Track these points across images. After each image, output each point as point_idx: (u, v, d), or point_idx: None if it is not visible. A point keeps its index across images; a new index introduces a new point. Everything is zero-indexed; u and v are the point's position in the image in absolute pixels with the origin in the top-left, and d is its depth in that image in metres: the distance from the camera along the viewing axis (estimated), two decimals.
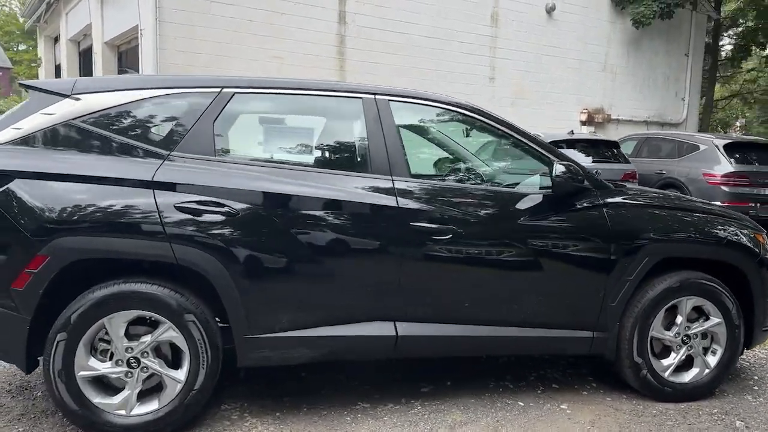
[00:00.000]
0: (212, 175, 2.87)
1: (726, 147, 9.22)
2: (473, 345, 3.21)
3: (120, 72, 3.94)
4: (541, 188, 3.27)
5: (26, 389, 3.35)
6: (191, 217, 2.78)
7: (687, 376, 3.39)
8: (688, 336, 3.36)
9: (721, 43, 20.01)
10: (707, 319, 3.39)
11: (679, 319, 3.34)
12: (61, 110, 2.86)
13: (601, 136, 12.97)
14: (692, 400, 3.38)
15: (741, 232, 3.45)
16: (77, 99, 2.89)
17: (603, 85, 15.90)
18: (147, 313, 2.78)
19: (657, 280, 3.28)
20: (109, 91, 2.95)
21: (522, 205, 3.15)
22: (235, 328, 2.87)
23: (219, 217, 2.81)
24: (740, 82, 21.61)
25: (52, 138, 2.83)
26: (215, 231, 2.79)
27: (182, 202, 2.79)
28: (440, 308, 3.10)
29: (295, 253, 2.90)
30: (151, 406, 2.83)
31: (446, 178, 3.52)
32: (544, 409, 3.26)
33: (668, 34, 16.88)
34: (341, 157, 3.18)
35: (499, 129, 3.33)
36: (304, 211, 2.92)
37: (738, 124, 23.18)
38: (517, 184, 3.42)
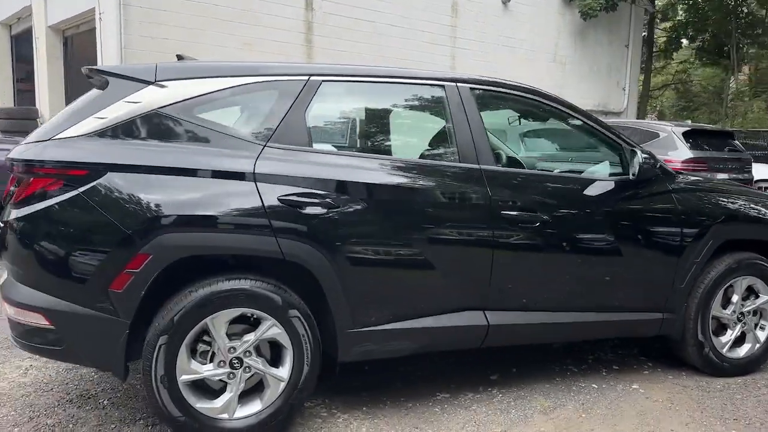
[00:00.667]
0: (312, 166, 2.77)
1: (684, 134, 9.74)
2: (556, 331, 3.27)
3: (178, 59, 3.68)
4: (611, 175, 3.36)
5: (89, 398, 3.13)
6: (295, 210, 2.67)
7: (741, 352, 3.59)
8: (742, 313, 3.56)
9: (655, 36, 21.02)
10: (757, 296, 3.60)
11: (735, 298, 3.53)
12: (147, 98, 2.67)
13: None
14: (746, 374, 3.59)
15: None
16: (162, 86, 2.70)
17: (553, 75, 16.39)
18: (250, 311, 2.65)
19: (717, 262, 3.45)
20: (195, 78, 2.78)
21: (602, 191, 3.22)
22: (338, 322, 2.79)
23: (321, 210, 2.71)
24: (672, 72, 22.83)
25: (141, 128, 2.64)
26: (319, 224, 2.70)
27: (286, 195, 2.67)
28: (527, 296, 3.13)
29: (394, 244, 2.84)
30: (253, 407, 2.72)
31: (527, 165, 3.54)
32: (619, 390, 3.37)
33: (610, 26, 17.57)
34: (430, 147, 3.13)
35: (573, 116, 3.38)
36: (401, 203, 2.87)
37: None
38: (582, 171, 3.50)
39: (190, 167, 2.61)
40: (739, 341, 3.61)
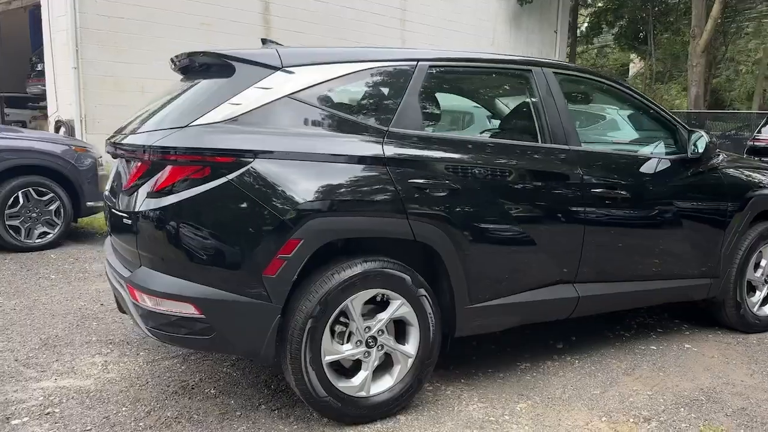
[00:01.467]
0: (433, 149, 2.86)
1: None
2: (633, 299, 3.57)
3: (263, 43, 3.58)
4: (667, 154, 3.67)
5: (192, 388, 3.09)
6: (422, 192, 2.76)
7: (755, 307, 4.04)
8: (763, 273, 4.02)
9: (579, 22, 22.09)
10: None
11: (764, 262, 3.98)
12: (277, 84, 2.65)
13: None
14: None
15: None
16: (290, 72, 2.70)
17: None
18: (383, 291, 2.73)
19: (751, 230, 3.87)
20: (318, 63, 2.79)
21: (668, 169, 3.53)
22: (458, 299, 2.92)
23: (444, 192, 2.82)
24: (592, 57, 24.12)
25: (275, 114, 2.62)
26: (442, 206, 2.80)
27: (413, 178, 2.76)
28: (608, 268, 3.39)
29: (505, 224, 3.00)
30: (385, 383, 2.81)
31: (604, 144, 3.78)
32: (676, 350, 3.72)
33: (541, 13, 18.34)
34: (528, 129, 3.29)
35: (639, 100, 3.66)
36: (510, 183, 3.02)
37: None
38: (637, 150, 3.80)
39: (330, 153, 2.63)
40: (765, 301, 4.07)
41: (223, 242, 2.46)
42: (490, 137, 3.20)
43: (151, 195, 2.49)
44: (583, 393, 3.12)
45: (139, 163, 2.60)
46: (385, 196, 2.69)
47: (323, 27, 12.05)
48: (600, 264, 3.34)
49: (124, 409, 2.87)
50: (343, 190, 2.62)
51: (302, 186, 2.54)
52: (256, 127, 2.57)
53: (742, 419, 2.87)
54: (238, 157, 2.48)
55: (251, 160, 2.49)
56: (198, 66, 2.95)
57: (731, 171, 3.83)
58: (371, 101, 2.90)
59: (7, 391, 3.02)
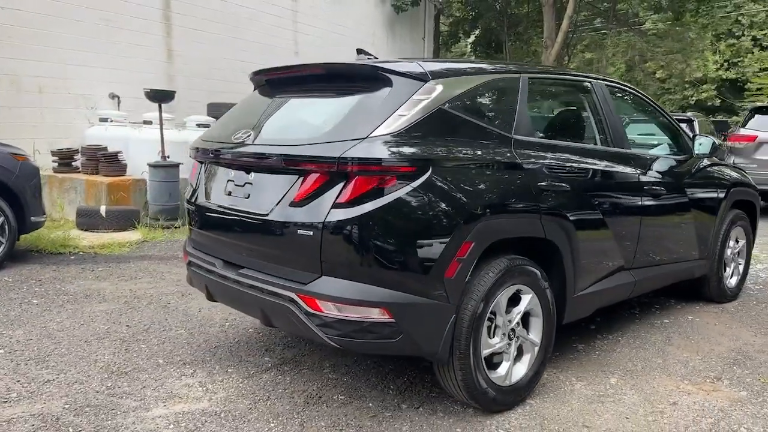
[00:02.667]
0: (548, 154, 3.17)
1: None
2: (663, 280, 4.15)
3: (359, 53, 3.40)
4: (679, 153, 4.33)
5: (320, 398, 3.08)
6: (548, 193, 3.06)
7: (732, 282, 4.90)
8: (735, 254, 4.87)
9: (442, 30, 23.42)
10: (737, 242, 4.94)
11: (731, 243, 4.81)
12: (429, 96, 2.78)
13: None
14: (736, 299, 4.92)
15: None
16: (438, 83, 2.83)
17: None
18: (520, 286, 2.98)
19: (727, 216, 4.67)
20: (455, 75, 2.95)
21: (684, 166, 4.19)
22: (568, 290, 3.25)
23: (560, 193, 3.14)
24: None
25: (433, 124, 2.73)
26: (562, 206, 3.13)
27: (540, 181, 3.04)
28: (651, 254, 3.93)
29: (597, 220, 3.39)
30: (520, 371, 3.06)
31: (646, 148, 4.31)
32: (684, 322, 4.39)
33: (411, 20, 19.24)
34: (598, 134, 3.69)
35: (654, 107, 4.27)
36: (599, 183, 3.44)
37: None
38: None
39: (483, 160, 2.83)
40: (732, 275, 4.93)
41: (412, 248, 2.56)
42: (579, 142, 3.58)
43: (338, 206, 2.49)
44: (650, 363, 3.61)
45: (316, 175, 2.57)
46: (526, 199, 2.95)
47: (221, 25, 11.68)
48: (646, 251, 3.86)
49: (273, 425, 2.80)
50: (499, 194, 2.83)
51: (470, 192, 2.71)
52: (424, 137, 2.68)
53: (735, 357, 3.56)
54: (419, 167, 2.58)
55: (429, 169, 2.60)
56: (328, 76, 2.96)
57: (717, 167, 4.61)
58: (497, 110, 3.13)
59: (126, 425, 2.78)
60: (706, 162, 4.47)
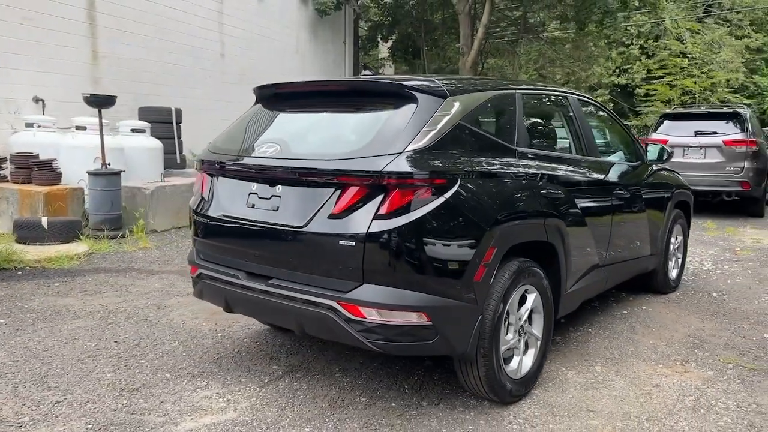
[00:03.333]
0: (545, 164, 3.45)
1: None
2: (625, 275, 4.57)
3: (364, 68, 3.46)
4: (636, 160, 4.77)
5: (344, 401, 3.20)
6: (548, 200, 3.35)
7: (674, 275, 5.45)
8: (676, 249, 5.42)
9: (361, 35, 23.66)
10: (677, 238, 5.50)
11: (673, 239, 5.35)
12: (451, 111, 2.97)
13: None
14: (676, 289, 5.48)
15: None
16: (455, 100, 3.03)
17: (297, 66, 17.42)
18: (528, 286, 3.25)
19: (670, 216, 5.19)
20: (467, 92, 3.16)
21: (641, 171, 4.65)
22: (562, 288, 3.55)
23: (558, 199, 3.44)
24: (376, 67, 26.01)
25: (455, 137, 2.93)
26: (558, 211, 3.42)
27: (542, 189, 3.33)
28: (618, 252, 4.32)
29: (583, 224, 3.71)
30: (527, 364, 3.31)
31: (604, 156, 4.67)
32: (638, 312, 4.84)
33: (333, 24, 19.36)
34: (577, 144, 4.03)
35: (615, 120, 4.69)
36: (583, 189, 3.78)
37: None
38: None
39: (499, 171, 3.06)
40: (673, 267, 5.48)
41: (447, 255, 2.75)
42: (561, 152, 3.89)
43: (380, 217, 2.63)
44: (625, 351, 4.00)
45: (355, 188, 2.69)
46: (533, 206, 3.22)
47: (149, 26, 11.30)
48: (614, 249, 4.26)
49: (308, 430, 2.89)
50: (513, 202, 3.08)
51: (491, 200, 2.94)
52: (448, 151, 2.87)
53: (733, 348, 4.04)
54: (449, 179, 2.77)
55: (457, 180, 2.80)
56: (351, 92, 3.08)
57: (665, 172, 5.13)
58: (502, 124, 3.37)
59: None
60: (655, 167, 4.97)
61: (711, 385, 3.47)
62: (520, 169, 3.22)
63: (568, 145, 3.99)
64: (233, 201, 3.17)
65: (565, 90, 4.18)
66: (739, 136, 9.62)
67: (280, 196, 2.95)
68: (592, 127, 4.35)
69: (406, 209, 2.65)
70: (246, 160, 3.08)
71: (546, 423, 3.01)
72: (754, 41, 25.38)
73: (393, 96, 2.97)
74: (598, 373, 3.64)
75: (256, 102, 3.58)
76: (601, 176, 4.06)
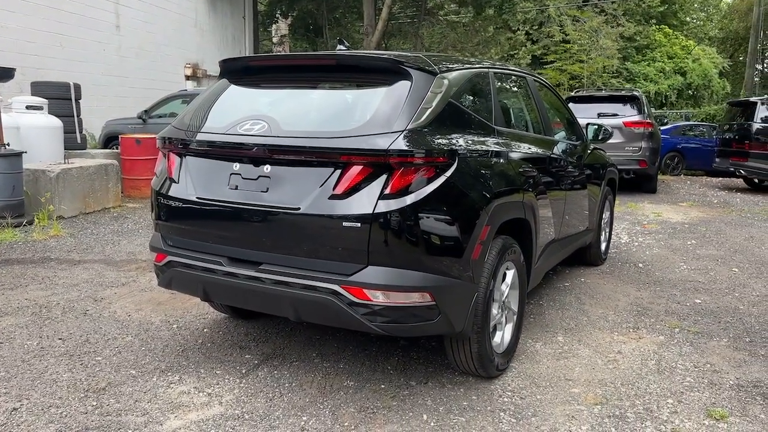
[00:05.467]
0: (518, 143, 3.52)
1: None
2: (573, 248, 4.77)
3: (339, 43, 3.09)
4: (577, 139, 4.98)
5: (332, 385, 3.11)
6: (525, 178, 3.42)
7: (604, 247, 5.79)
8: (605, 223, 5.76)
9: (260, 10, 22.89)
10: (605, 213, 5.84)
11: (605, 215, 5.68)
12: (442, 89, 2.94)
13: None
14: (606, 262, 5.83)
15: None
16: (444, 78, 3.00)
17: (196, 41, 16.60)
18: (508, 263, 3.31)
19: (603, 193, 5.50)
20: (452, 71, 3.13)
21: (584, 149, 4.85)
22: (533, 263, 3.66)
23: (531, 177, 3.52)
24: (271, 45, 25.23)
25: (447, 115, 2.90)
26: (532, 188, 3.50)
27: (520, 167, 3.39)
28: (567, 226, 4.51)
29: (547, 201, 3.83)
30: (507, 338, 3.39)
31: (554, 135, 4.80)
32: (579, 284, 5.10)
33: None
34: (537, 124, 4.11)
35: (560, 99, 4.86)
36: (548, 167, 3.90)
37: None
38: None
39: (488, 149, 3.08)
40: (605, 241, 5.82)
41: (451, 233, 2.73)
42: (528, 131, 3.97)
43: (386, 197, 2.57)
44: (580, 321, 4.20)
45: (359, 167, 2.59)
46: (516, 184, 3.27)
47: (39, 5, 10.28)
48: (566, 224, 4.45)
49: (305, 418, 2.79)
50: (502, 180, 3.12)
51: (484, 179, 2.96)
52: (444, 129, 2.84)
53: (673, 314, 4.36)
54: (449, 157, 2.75)
55: (456, 159, 2.79)
56: (341, 67, 2.96)
57: (599, 151, 5.40)
58: (482, 103, 3.38)
59: None
60: (592, 146, 5.23)
61: (666, 349, 3.73)
62: (502, 148, 3.26)
63: (530, 124, 4.10)
64: (211, 182, 2.96)
65: (524, 70, 4.27)
66: (637, 118, 10.36)
67: (269, 177, 2.78)
68: (545, 107, 4.48)
69: (411, 188, 2.60)
70: (227, 138, 2.87)
71: (533, 394, 3.10)
72: (627, 30, 27.38)
73: (386, 72, 2.88)
74: (562, 343, 3.80)
75: (222, 76, 3.35)
76: (557, 154, 4.21)
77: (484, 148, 3.08)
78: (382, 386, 3.13)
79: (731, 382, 3.28)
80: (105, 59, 12.60)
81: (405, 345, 3.64)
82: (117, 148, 9.77)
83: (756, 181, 12.17)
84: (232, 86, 3.25)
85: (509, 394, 3.10)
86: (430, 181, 2.65)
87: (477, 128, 3.16)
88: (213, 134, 2.94)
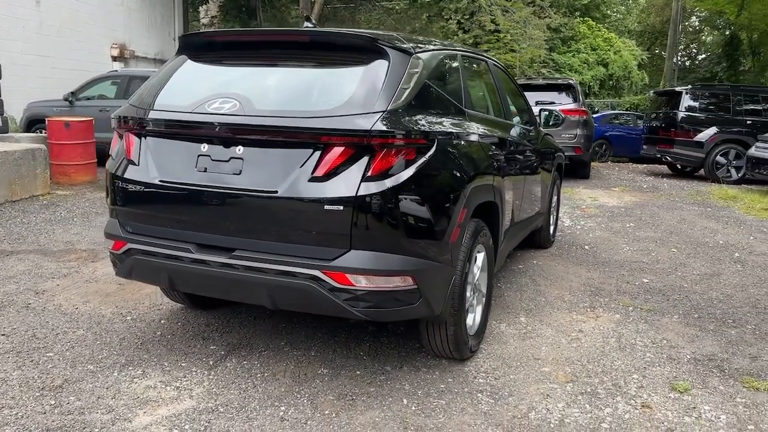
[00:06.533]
0: (487, 126, 3.52)
1: None
2: (527, 231, 4.86)
3: (306, 20, 2.84)
4: (529, 124, 5.05)
5: (306, 374, 3.03)
6: (494, 162, 3.43)
7: (552, 230, 5.94)
8: (554, 207, 5.90)
9: None
10: (555, 197, 5.98)
11: (554, 198, 5.82)
12: (418, 69, 2.89)
13: None
14: (553, 245, 5.98)
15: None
16: (419, 58, 2.95)
17: (123, 20, 15.82)
18: (479, 245, 3.32)
19: (553, 175, 5.63)
20: (424, 51, 3.07)
21: (538, 136, 4.94)
22: (499, 242, 3.68)
23: (499, 159, 3.54)
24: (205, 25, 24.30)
25: (424, 96, 2.86)
26: (499, 170, 3.52)
27: (490, 152, 3.40)
28: (525, 210, 4.58)
29: (509, 184, 3.87)
30: (477, 319, 3.40)
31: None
32: (532, 266, 5.21)
33: None
34: (498, 108, 4.12)
35: (517, 87, 4.91)
36: (510, 150, 3.91)
37: None
38: None
39: (463, 132, 3.07)
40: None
41: (431, 216, 2.70)
42: (493, 115, 3.98)
43: (368, 179, 2.50)
44: (539, 302, 4.29)
45: (340, 149, 2.51)
46: (488, 166, 3.28)
47: None
48: (523, 207, 4.51)
49: (283, 408, 2.71)
50: (476, 163, 3.11)
51: (461, 161, 2.94)
52: (421, 110, 2.80)
53: (624, 293, 4.52)
54: (428, 139, 2.71)
55: (435, 141, 2.75)
56: (313, 44, 2.85)
57: (550, 137, 5.51)
58: (451, 84, 3.35)
59: None
60: (543, 132, 5.33)
61: (623, 327, 3.86)
62: (473, 130, 3.25)
63: (492, 108, 4.11)
64: (175, 164, 2.79)
65: (484, 54, 4.28)
66: (573, 106, 10.67)
67: (242, 158, 2.65)
68: (505, 92, 4.51)
69: (392, 171, 2.54)
70: (194, 118, 2.71)
71: (506, 374, 3.13)
72: (554, 21, 28.20)
73: (361, 51, 2.80)
74: (525, 324, 3.86)
75: (180, 52, 3.16)
76: (518, 139, 4.25)
77: (459, 130, 3.06)
78: (358, 372, 3.08)
79: (688, 356, 3.44)
80: (24, 37, 11.77)
81: (374, 330, 3.60)
82: (43, 132, 9.15)
83: (679, 166, 12.82)
84: (194, 63, 3.08)
85: (483, 375, 3.12)
86: (410, 163, 2.60)
87: (451, 110, 3.14)
88: (177, 113, 2.78)
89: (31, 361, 3.06)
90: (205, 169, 2.71)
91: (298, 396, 2.81)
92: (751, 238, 6.62)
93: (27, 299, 3.96)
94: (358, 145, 2.51)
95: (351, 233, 2.52)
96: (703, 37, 37.13)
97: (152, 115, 2.84)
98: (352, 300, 2.57)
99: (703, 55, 35.64)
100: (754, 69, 26.06)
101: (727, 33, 25.44)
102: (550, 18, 29.30)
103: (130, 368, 3.03)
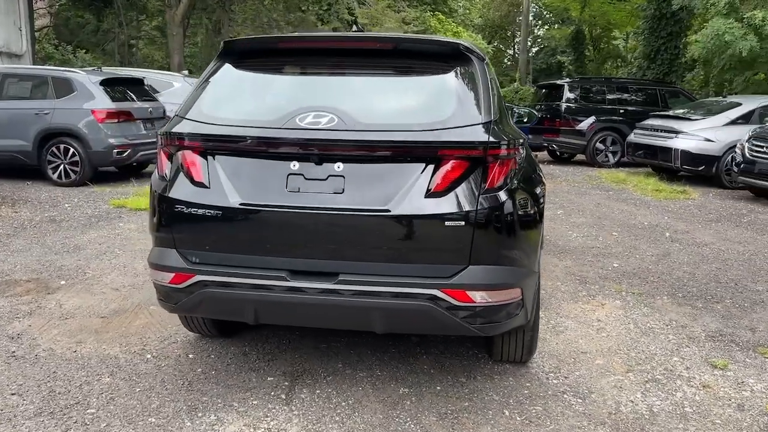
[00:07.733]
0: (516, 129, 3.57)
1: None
2: None
3: (353, 24, 2.38)
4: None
5: (300, 376, 2.89)
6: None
7: None
8: None
9: None
10: None
11: None
12: (493, 75, 2.88)
13: None
14: None
15: None
16: (489, 65, 2.92)
17: None
18: None
19: None
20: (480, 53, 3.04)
21: None
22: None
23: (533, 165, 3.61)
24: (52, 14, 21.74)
25: (502, 103, 2.87)
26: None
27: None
28: None
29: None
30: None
31: None
32: None
33: None
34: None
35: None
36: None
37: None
38: None
39: (523, 137, 3.09)
40: None
41: (536, 225, 2.72)
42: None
43: (486, 192, 2.45)
44: (542, 294, 4.44)
45: (454, 162, 2.42)
46: (536, 170, 3.33)
47: None
48: None
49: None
50: (535, 166, 3.15)
51: (533, 167, 2.98)
52: (505, 117, 2.79)
53: (607, 279, 4.83)
54: (520, 148, 2.72)
55: (523, 149, 2.77)
56: (398, 51, 2.70)
57: None
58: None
59: None
60: None
61: (631, 312, 4.14)
62: (522, 135, 3.29)
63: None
64: (260, 185, 2.52)
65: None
66: None
67: (343, 176, 2.46)
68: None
69: (504, 181, 2.52)
70: (285, 134, 2.46)
71: (571, 371, 3.22)
72: (408, 15, 29.07)
73: (447, 58, 2.71)
74: (547, 318, 3.98)
75: (227, 58, 2.80)
76: None
77: (521, 136, 3.08)
78: (438, 388, 3.00)
79: (703, 335, 3.77)
80: None
81: (416, 341, 3.52)
82: None
83: (558, 153, 13.88)
84: (252, 72, 2.78)
85: (553, 375, 3.18)
86: (516, 172, 2.59)
87: (507, 115, 3.14)
88: (262, 128, 2.50)
89: (76, 422, 2.62)
90: (299, 189, 2.48)
91: (399, 421, 2.69)
92: (666, 218, 7.37)
93: (7, 347, 3.36)
94: (475, 157, 2.44)
95: (471, 248, 2.45)
96: (537, 31, 40.16)
97: (225, 131, 2.53)
98: (471, 317, 2.51)
99: (537, 48, 38.58)
100: (596, 61, 28.87)
101: (572, 28, 27.90)
102: (404, 12, 30.13)
103: (199, 414, 2.70)
